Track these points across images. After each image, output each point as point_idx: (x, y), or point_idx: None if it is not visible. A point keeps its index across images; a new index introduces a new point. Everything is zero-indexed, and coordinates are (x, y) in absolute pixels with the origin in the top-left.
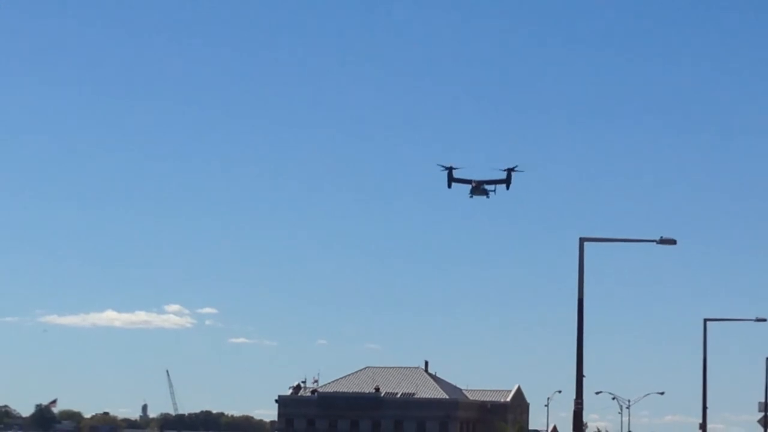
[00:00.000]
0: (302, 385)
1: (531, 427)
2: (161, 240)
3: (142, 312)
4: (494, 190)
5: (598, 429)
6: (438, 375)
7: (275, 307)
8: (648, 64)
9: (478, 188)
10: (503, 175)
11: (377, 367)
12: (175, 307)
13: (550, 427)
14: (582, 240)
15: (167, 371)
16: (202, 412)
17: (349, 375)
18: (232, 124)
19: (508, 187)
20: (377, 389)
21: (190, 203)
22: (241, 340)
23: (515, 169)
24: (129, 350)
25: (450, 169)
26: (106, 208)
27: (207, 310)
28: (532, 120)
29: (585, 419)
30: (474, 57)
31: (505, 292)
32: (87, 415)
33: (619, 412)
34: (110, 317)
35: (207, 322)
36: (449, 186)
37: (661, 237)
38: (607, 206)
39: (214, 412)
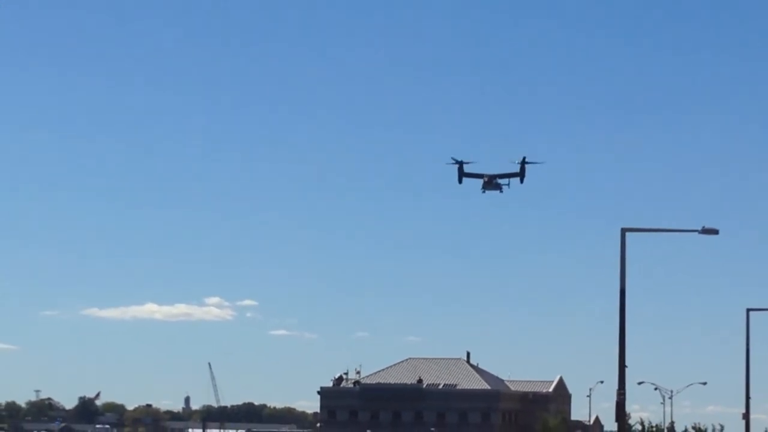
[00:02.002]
0: (344, 376)
1: (573, 417)
2: (201, 233)
3: (182, 304)
4: (508, 184)
5: (641, 419)
6: (480, 366)
7: (315, 300)
8: (682, 50)
9: (491, 183)
10: (516, 168)
11: (419, 359)
12: (215, 300)
13: (593, 418)
14: (624, 230)
15: (209, 363)
16: (244, 403)
17: (391, 366)
18: (266, 119)
19: (522, 180)
20: (419, 380)
21: (230, 196)
22: (281, 332)
23: (529, 161)
24: (170, 343)
25: (461, 164)
26: (146, 202)
27: (247, 302)
28: (562, 110)
29: (627, 410)
30: (493, 47)
31: (547, 283)
32: (130, 407)
33: (662, 403)
34: (151, 310)
35: (247, 315)
36: (460, 181)
37: (704, 227)
38: (648, 196)
39: (257, 403)
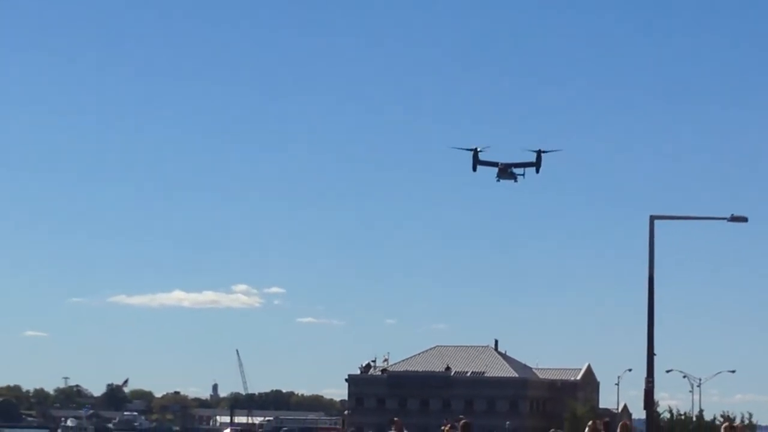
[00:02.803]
0: (372, 364)
1: (601, 405)
2: (228, 220)
3: (210, 292)
4: (523, 174)
5: (669, 407)
6: (508, 354)
7: (343, 287)
8: (711, 36)
9: (505, 171)
10: (532, 157)
11: (447, 346)
12: (242, 287)
13: (621, 406)
14: (652, 218)
15: (237, 351)
16: (272, 391)
17: (418, 354)
18: (288, 107)
19: (538, 170)
20: (447, 368)
21: (257, 183)
22: (308, 319)
23: (545, 150)
24: (198, 330)
25: (475, 151)
26: (172, 189)
27: (274, 289)
28: (591, 98)
29: (655, 397)
30: (511, 30)
31: (576, 271)
32: (158, 394)
33: (690, 391)
34: (178, 297)
35: (275, 302)
36: (474, 169)
37: (732, 214)
38: (676, 184)
39: (284, 391)
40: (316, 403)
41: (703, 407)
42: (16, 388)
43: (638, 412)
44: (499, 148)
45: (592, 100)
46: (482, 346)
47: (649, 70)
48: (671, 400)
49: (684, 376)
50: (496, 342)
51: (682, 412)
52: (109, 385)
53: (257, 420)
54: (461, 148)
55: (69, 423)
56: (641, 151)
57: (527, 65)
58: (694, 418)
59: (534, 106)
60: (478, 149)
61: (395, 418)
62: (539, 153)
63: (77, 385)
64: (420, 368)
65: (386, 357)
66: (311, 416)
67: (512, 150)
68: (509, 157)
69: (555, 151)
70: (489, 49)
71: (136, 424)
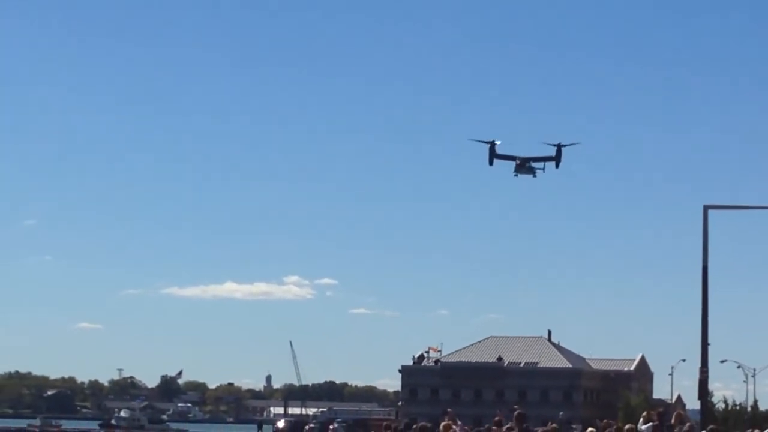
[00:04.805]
0: (425, 355)
1: (655, 396)
2: (279, 211)
3: (261, 283)
4: (543, 168)
5: (724, 397)
6: (561, 344)
7: (395, 278)
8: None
9: (523, 166)
10: (552, 151)
11: (500, 337)
12: (294, 278)
13: (675, 396)
14: (706, 207)
15: (290, 342)
16: (325, 382)
17: (472, 345)
18: (344, 97)
19: (557, 165)
20: (500, 359)
21: (309, 175)
22: (361, 310)
23: (565, 144)
24: (251, 322)
25: (492, 144)
26: (224, 180)
27: (326, 281)
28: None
29: (710, 388)
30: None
31: (629, 261)
32: (212, 386)
33: (744, 381)
34: (230, 289)
35: (327, 293)
36: (491, 163)
37: None
38: (729, 173)
39: (338, 382)
40: (369, 394)
41: (757, 397)
42: (71, 380)
43: (692, 403)
44: (515, 141)
45: (628, 87)
46: (535, 337)
47: (690, 49)
48: (725, 391)
49: (738, 366)
50: (550, 332)
51: (736, 403)
52: (163, 377)
53: (311, 411)
54: (479, 141)
55: (122, 414)
56: (697, 140)
57: (548, 54)
58: (749, 409)
59: (553, 99)
60: (495, 142)
61: (448, 409)
62: (559, 147)
63: (131, 377)
64: (473, 359)
65: (439, 348)
66: (365, 407)
67: (530, 144)
68: (527, 152)
69: (574, 144)
70: (508, 38)
71: (190, 415)
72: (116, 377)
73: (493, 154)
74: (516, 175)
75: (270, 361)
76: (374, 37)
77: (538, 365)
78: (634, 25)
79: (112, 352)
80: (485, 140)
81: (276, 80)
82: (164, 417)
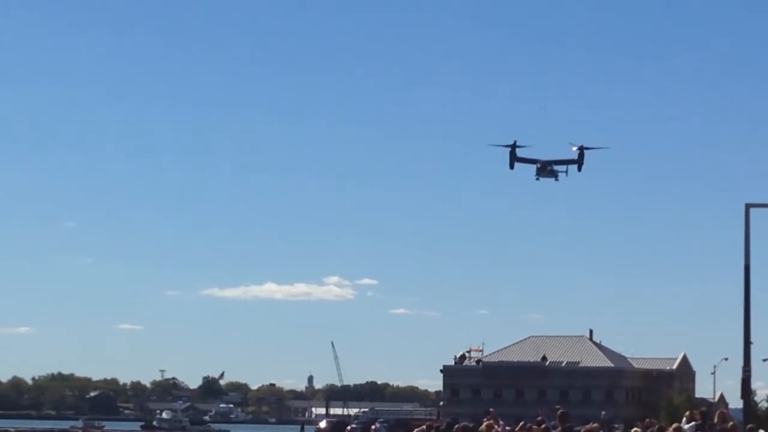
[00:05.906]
0: (467, 354)
1: (697, 395)
2: (319, 212)
3: (302, 284)
4: (565, 172)
5: (767, 396)
6: (602, 343)
7: (435, 278)
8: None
9: (545, 169)
10: (575, 155)
11: (541, 336)
12: (334, 279)
13: (717, 395)
14: (748, 206)
15: (332, 342)
16: (367, 382)
17: (513, 344)
18: (387, 96)
19: (580, 168)
20: (542, 358)
21: (349, 175)
22: (401, 311)
23: (588, 147)
24: (292, 322)
25: (513, 147)
26: (264, 181)
27: (366, 281)
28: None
29: (752, 387)
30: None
31: (671, 260)
32: (253, 386)
33: None
34: (270, 289)
35: (368, 294)
36: (511, 166)
37: None
38: None
39: (379, 382)
40: (410, 393)
41: None
42: (114, 381)
43: (735, 402)
44: (538, 143)
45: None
46: (577, 336)
47: (729, 47)
48: None
49: None
50: (591, 332)
51: None
52: (205, 378)
53: (353, 411)
54: (498, 145)
55: (164, 415)
56: (738, 138)
57: (570, 56)
58: None
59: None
60: (516, 145)
61: (490, 409)
62: (582, 149)
63: (173, 378)
64: (515, 359)
65: (480, 348)
66: (406, 407)
67: (553, 146)
68: (550, 155)
69: (599, 148)
70: (529, 39)
71: (232, 416)
72: (158, 378)
73: (514, 157)
74: (537, 179)
75: (311, 362)
76: (391, 38)
77: (580, 364)
78: (671, 22)
79: (154, 353)
80: (505, 144)
81: (345, 81)
82: (206, 418)
